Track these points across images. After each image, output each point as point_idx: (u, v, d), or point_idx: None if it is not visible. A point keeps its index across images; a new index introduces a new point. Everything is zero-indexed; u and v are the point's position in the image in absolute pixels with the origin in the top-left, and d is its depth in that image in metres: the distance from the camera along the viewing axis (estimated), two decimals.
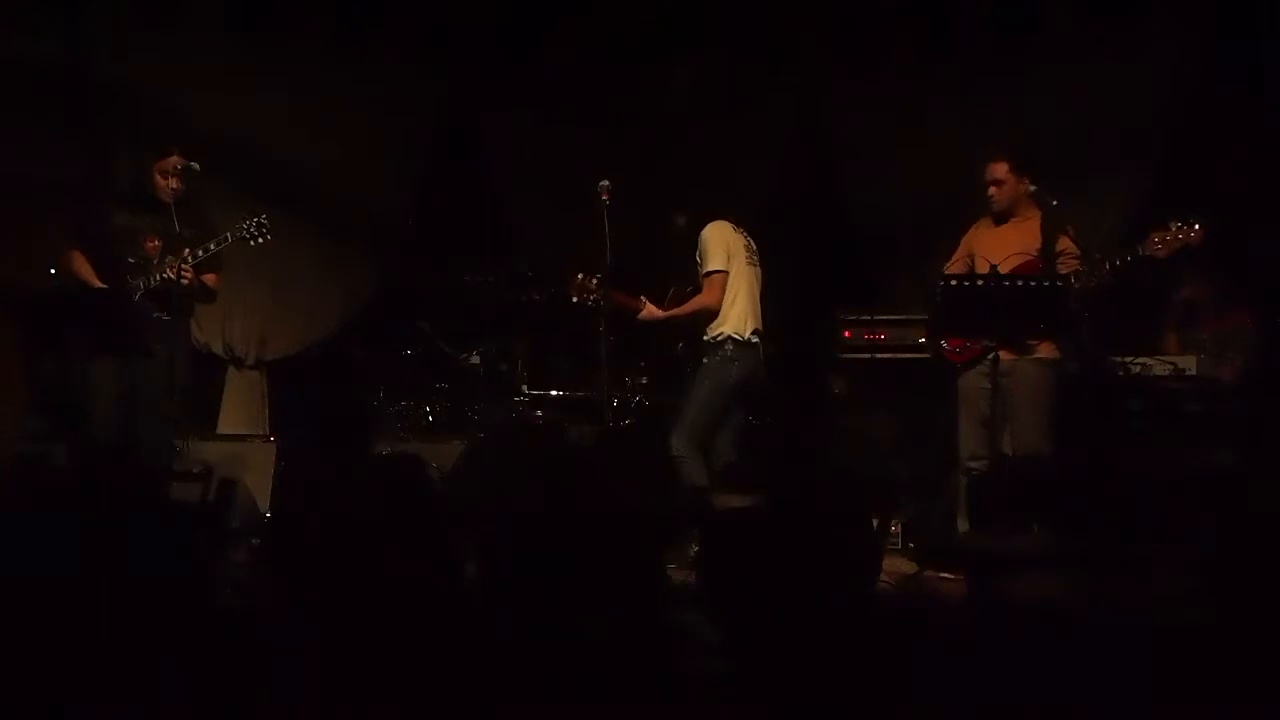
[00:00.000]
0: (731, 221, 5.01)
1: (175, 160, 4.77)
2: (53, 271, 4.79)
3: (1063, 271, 4.51)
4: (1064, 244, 4.63)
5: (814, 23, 6.25)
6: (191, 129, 5.62)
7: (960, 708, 2.36)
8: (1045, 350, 4.61)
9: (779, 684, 2.47)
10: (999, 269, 4.42)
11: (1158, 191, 5.60)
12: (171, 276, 4.67)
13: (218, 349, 6.42)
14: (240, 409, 6.48)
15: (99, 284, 4.76)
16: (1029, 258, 4.60)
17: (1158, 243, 4.31)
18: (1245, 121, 5.39)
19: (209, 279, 4.96)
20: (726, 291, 4.91)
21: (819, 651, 2.56)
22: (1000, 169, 4.75)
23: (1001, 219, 4.79)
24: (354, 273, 6.85)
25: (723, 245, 4.91)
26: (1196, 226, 4.27)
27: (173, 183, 4.76)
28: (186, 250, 4.69)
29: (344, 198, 6.53)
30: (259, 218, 4.80)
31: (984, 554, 3.94)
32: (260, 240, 4.83)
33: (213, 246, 4.75)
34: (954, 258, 4.93)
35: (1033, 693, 2.39)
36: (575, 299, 5.07)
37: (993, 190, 4.76)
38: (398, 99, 6.55)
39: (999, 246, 4.63)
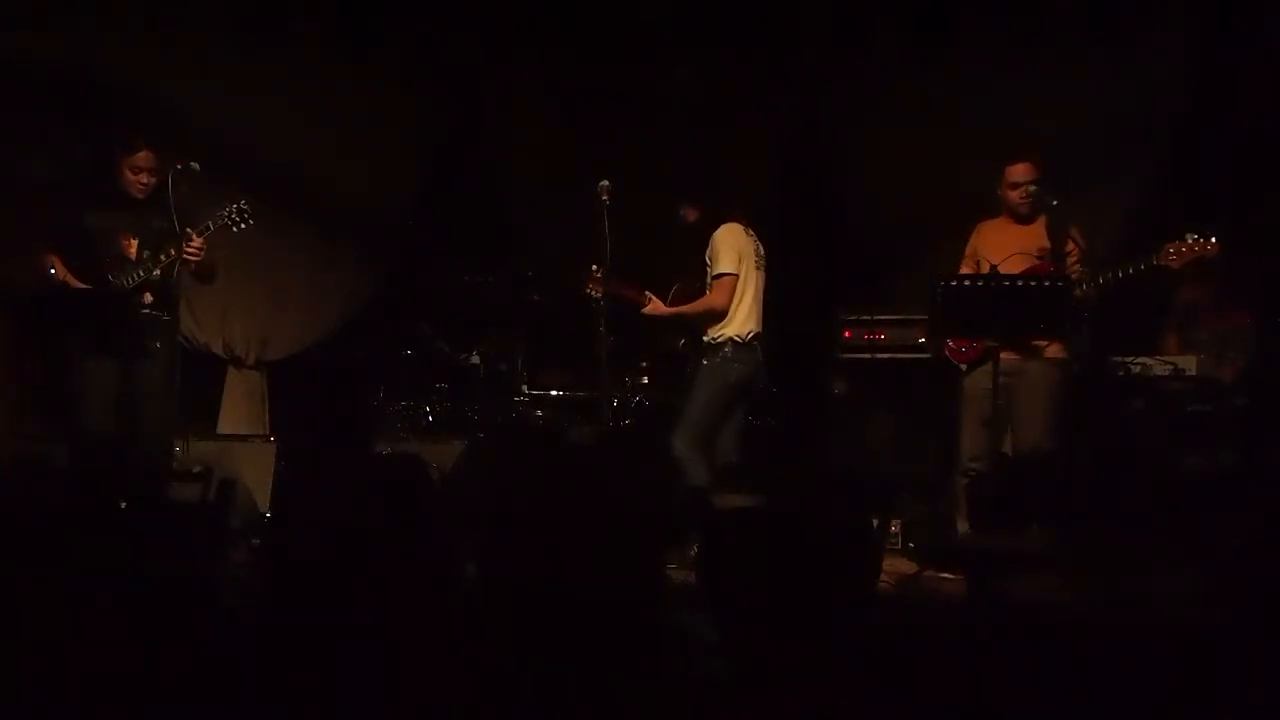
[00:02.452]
0: (743, 224, 5.01)
1: (145, 156, 4.72)
2: (52, 271, 4.76)
3: (1072, 272, 4.52)
4: (1070, 244, 4.64)
5: (814, 23, 6.25)
6: (191, 129, 5.62)
7: (960, 708, 2.36)
8: (1054, 350, 4.62)
9: (779, 684, 2.47)
10: (1006, 268, 4.44)
11: (1158, 192, 5.60)
12: (190, 254, 4.58)
13: (218, 349, 6.42)
14: (240, 409, 6.48)
15: (77, 284, 4.70)
16: (1040, 260, 4.62)
17: (1172, 254, 4.37)
18: (1246, 121, 5.38)
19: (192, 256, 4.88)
20: (734, 295, 4.91)
21: (819, 651, 2.56)
22: (1031, 171, 4.76)
23: (1027, 220, 4.79)
24: (354, 273, 6.85)
25: (735, 248, 4.91)
26: (1213, 240, 4.32)
27: (143, 178, 4.72)
28: (192, 230, 4.62)
29: (344, 198, 6.53)
30: (239, 203, 4.72)
31: (984, 554, 3.94)
32: (243, 226, 4.72)
33: (193, 236, 4.68)
34: (962, 264, 4.94)
35: (1033, 693, 2.39)
36: (590, 290, 5.06)
37: (1025, 192, 4.74)
38: (398, 99, 6.55)
39: (1008, 248, 4.64)
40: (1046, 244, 4.66)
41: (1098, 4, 5.71)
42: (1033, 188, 4.65)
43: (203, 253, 4.65)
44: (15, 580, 2.69)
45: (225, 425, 6.33)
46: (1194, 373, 4.90)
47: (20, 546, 2.80)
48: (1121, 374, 4.88)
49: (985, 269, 4.67)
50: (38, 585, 2.66)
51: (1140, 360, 4.92)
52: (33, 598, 2.63)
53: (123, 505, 3.14)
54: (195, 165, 4.66)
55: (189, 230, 4.62)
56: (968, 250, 4.95)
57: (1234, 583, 2.99)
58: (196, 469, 4.73)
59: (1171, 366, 4.89)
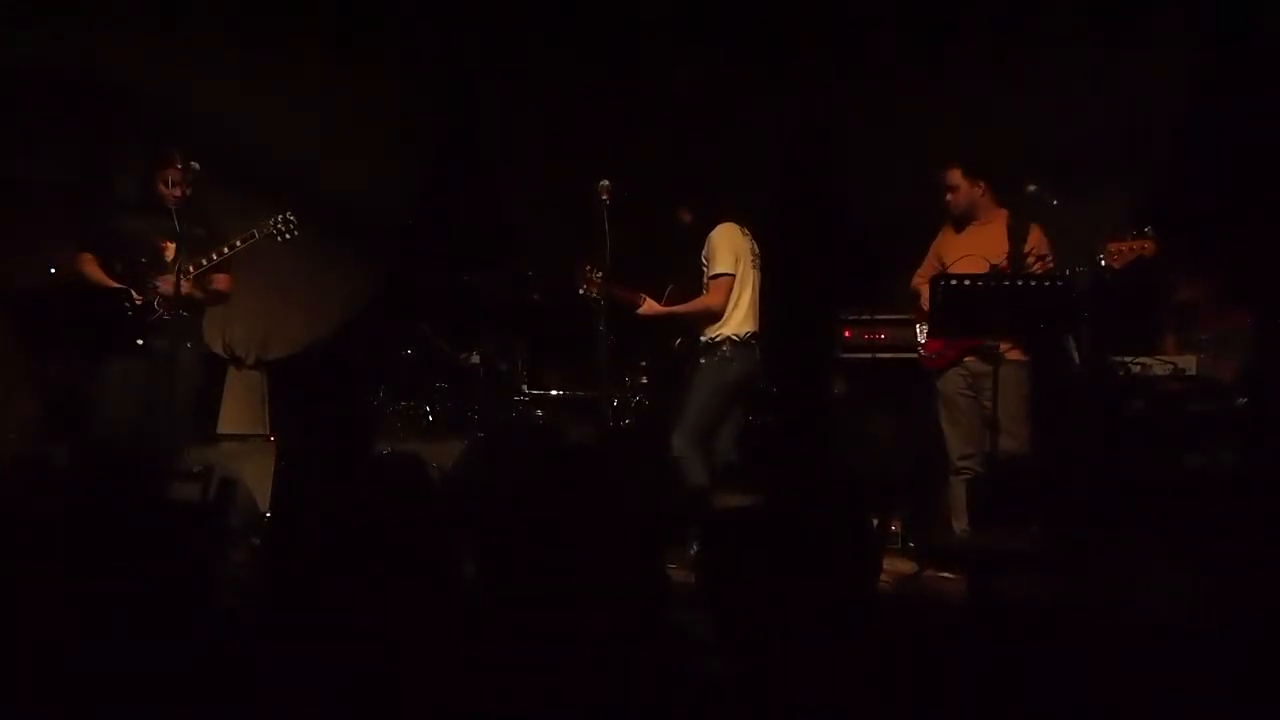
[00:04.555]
0: (739, 224, 5.02)
1: (178, 167, 4.73)
2: (53, 271, 4.77)
3: (1035, 271, 4.53)
4: (1034, 242, 4.65)
5: (814, 23, 6.25)
6: (193, 129, 5.62)
7: (960, 708, 2.36)
8: (1014, 354, 4.63)
9: (779, 684, 2.47)
10: (962, 268, 4.47)
11: (1157, 192, 5.59)
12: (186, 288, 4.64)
13: (218, 349, 6.41)
14: (240, 409, 6.49)
15: (112, 284, 4.70)
16: (996, 261, 4.63)
17: (1114, 253, 4.38)
18: (1245, 121, 5.38)
19: (221, 280, 4.91)
20: (731, 294, 4.93)
21: (819, 651, 2.56)
22: (954, 174, 4.83)
23: (962, 224, 4.85)
24: (354, 273, 6.86)
25: (731, 249, 4.93)
26: (1148, 240, 4.33)
27: (176, 190, 4.73)
28: (196, 262, 4.65)
29: (344, 198, 6.53)
30: (285, 214, 4.76)
31: (984, 554, 3.94)
32: (289, 237, 4.77)
33: (239, 244, 4.70)
34: (924, 264, 4.98)
35: (1032, 693, 2.39)
36: (583, 290, 5.08)
37: (949, 196, 4.83)
38: (398, 99, 6.56)
39: (969, 250, 4.66)
40: (1005, 245, 4.68)
41: (1097, 5, 5.71)
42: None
43: (189, 288, 4.65)
44: (15, 580, 2.69)
45: (225, 425, 6.34)
46: (1194, 373, 4.90)
47: (20, 546, 2.80)
48: (1121, 374, 4.87)
49: (965, 268, 4.68)
50: (38, 585, 2.67)
51: (1140, 360, 4.92)
52: (33, 598, 2.63)
53: (122, 505, 3.15)
54: (195, 165, 4.68)
55: (187, 257, 4.63)
56: (930, 252, 4.99)
57: (1234, 583, 2.98)
58: (196, 469, 4.73)
59: (1171, 366, 4.89)
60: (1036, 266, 4.56)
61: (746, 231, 5.04)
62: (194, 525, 3.14)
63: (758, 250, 5.07)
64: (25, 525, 2.88)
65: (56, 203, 5.60)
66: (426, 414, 6.04)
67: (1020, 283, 4.29)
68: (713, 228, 4.97)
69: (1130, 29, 5.63)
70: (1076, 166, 5.55)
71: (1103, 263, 4.39)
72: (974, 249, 4.66)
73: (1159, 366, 4.90)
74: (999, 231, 4.71)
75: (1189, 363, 4.92)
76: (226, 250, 4.69)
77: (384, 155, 6.59)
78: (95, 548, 2.79)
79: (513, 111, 6.81)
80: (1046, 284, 4.31)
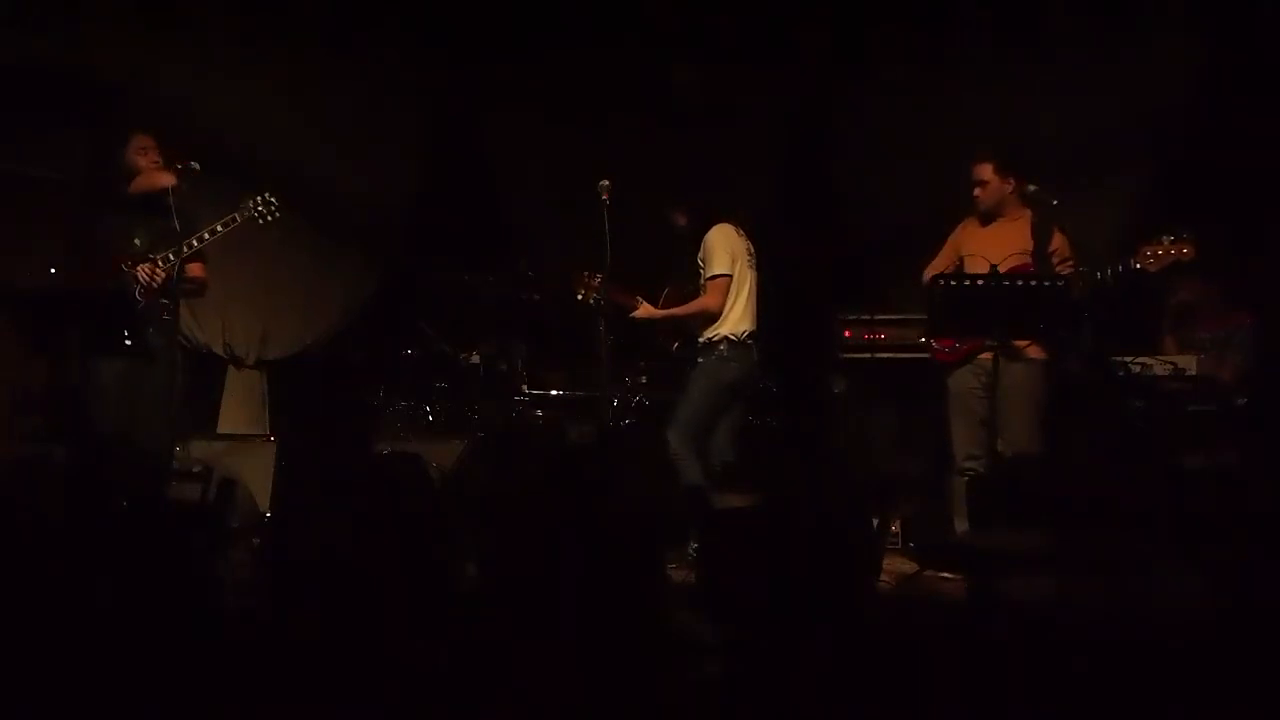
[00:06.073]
0: (734, 224, 5.02)
1: (141, 136, 4.65)
2: (53, 271, 4.75)
3: (1058, 271, 4.50)
4: (1057, 243, 4.63)
5: (815, 23, 6.25)
6: (192, 129, 5.61)
7: (960, 708, 2.36)
8: (1034, 351, 4.61)
9: (779, 684, 2.47)
10: (983, 266, 4.43)
11: (1158, 192, 5.60)
12: (152, 278, 4.55)
13: (218, 349, 6.42)
14: (240, 409, 6.49)
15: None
16: (1023, 258, 4.60)
17: (1149, 256, 4.33)
18: (1245, 122, 5.38)
19: (194, 269, 4.78)
20: (728, 295, 4.93)
21: (819, 651, 2.56)
22: (985, 169, 4.78)
23: (988, 219, 4.82)
24: (354, 272, 6.86)
25: (728, 249, 4.93)
26: (1187, 244, 4.28)
27: (152, 155, 4.62)
28: (176, 249, 4.57)
29: (344, 197, 6.53)
30: (265, 194, 4.63)
31: (984, 554, 3.94)
32: (270, 219, 4.64)
33: (219, 228, 4.60)
34: (939, 256, 4.94)
35: (1032, 693, 2.39)
36: (580, 295, 5.08)
37: (978, 191, 4.79)
38: (398, 98, 6.56)
39: (990, 246, 4.63)
40: (1030, 243, 4.65)
41: (1097, 5, 5.70)
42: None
43: (161, 278, 4.57)
44: (15, 580, 2.69)
45: (225, 425, 6.34)
46: (1194, 373, 4.90)
47: (20, 546, 2.80)
48: (1121, 374, 4.87)
49: (970, 267, 4.67)
50: (38, 585, 2.67)
51: (1140, 360, 4.92)
52: (33, 598, 2.63)
53: (123, 505, 3.15)
54: (195, 165, 4.64)
55: (219, 223, 4.56)
56: (948, 245, 4.94)
57: (1234, 583, 2.99)
58: (196, 469, 4.72)
59: (1171, 366, 4.89)
60: (1061, 268, 4.53)
61: (742, 232, 5.04)
62: (194, 525, 3.14)
63: (753, 250, 5.08)
64: (24, 525, 2.88)
65: (56, 201, 5.59)
66: (426, 414, 6.04)
67: (1019, 283, 4.28)
68: (708, 229, 4.98)
69: (1131, 28, 5.63)
70: (1076, 167, 5.55)
71: (1137, 266, 4.35)
72: (998, 245, 4.62)
73: (1159, 366, 4.90)
74: (1024, 229, 4.68)
75: (1189, 363, 4.92)
76: (207, 235, 4.58)
77: (384, 155, 6.59)
78: (95, 547, 2.79)
79: (513, 111, 6.80)
80: (1045, 284, 4.30)
